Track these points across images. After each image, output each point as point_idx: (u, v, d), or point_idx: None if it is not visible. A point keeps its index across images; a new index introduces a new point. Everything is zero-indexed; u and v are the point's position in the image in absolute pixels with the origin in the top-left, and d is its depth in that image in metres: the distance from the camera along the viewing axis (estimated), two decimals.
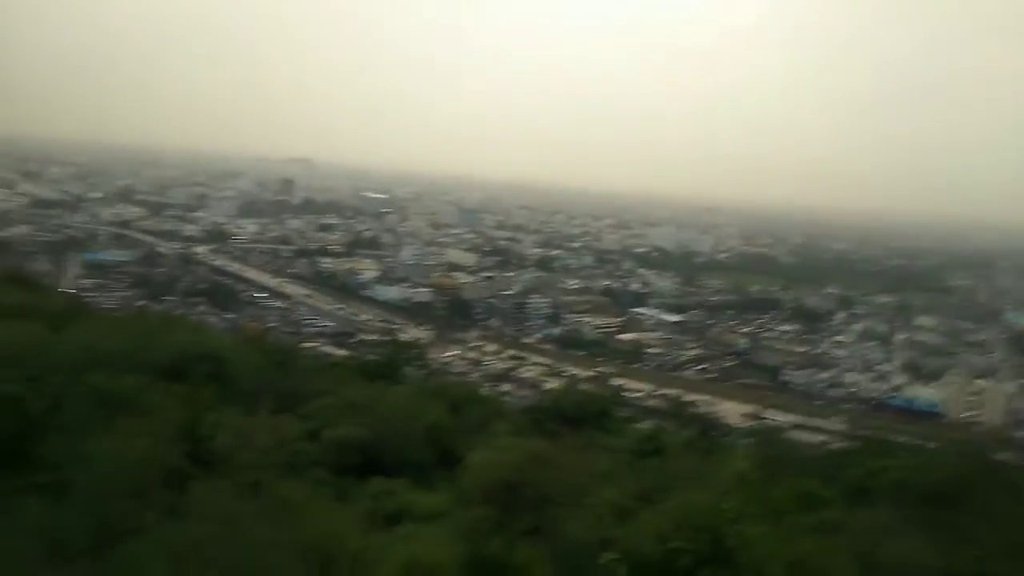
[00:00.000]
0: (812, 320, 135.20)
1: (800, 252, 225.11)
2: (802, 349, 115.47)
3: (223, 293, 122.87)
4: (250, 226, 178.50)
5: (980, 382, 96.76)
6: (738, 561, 10.30)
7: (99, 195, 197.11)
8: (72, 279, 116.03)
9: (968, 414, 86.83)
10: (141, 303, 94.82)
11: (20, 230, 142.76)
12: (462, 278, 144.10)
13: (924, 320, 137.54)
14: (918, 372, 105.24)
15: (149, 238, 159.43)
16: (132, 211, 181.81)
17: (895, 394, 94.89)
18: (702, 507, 11.40)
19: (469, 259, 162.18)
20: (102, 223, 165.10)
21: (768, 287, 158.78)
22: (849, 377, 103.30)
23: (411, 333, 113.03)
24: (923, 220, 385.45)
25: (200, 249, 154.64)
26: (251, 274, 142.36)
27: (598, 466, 20.89)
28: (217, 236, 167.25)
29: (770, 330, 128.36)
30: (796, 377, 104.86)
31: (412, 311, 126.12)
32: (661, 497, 15.05)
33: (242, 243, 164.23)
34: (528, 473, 17.10)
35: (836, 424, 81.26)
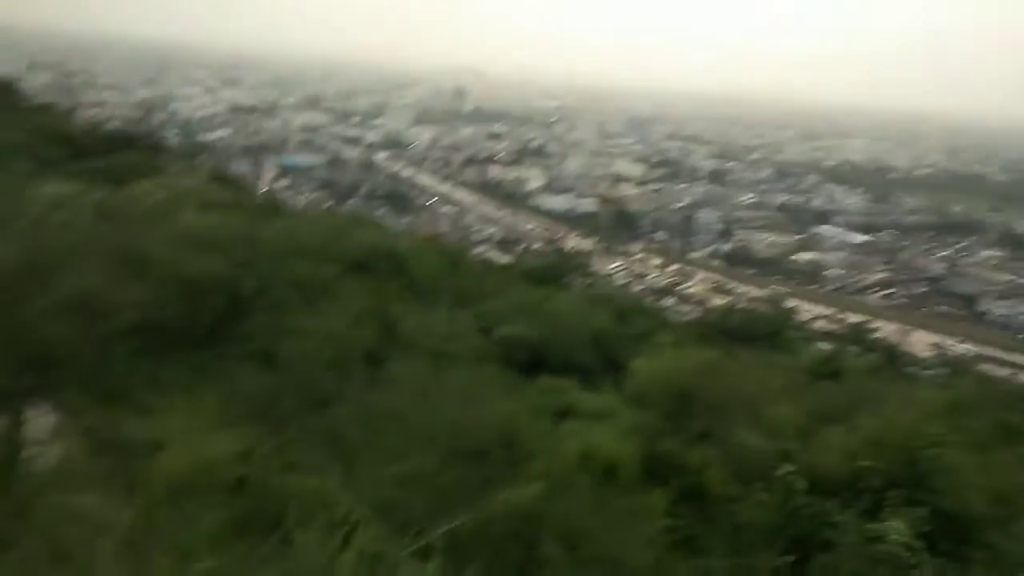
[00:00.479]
0: (1021, 247, 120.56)
1: (1015, 170, 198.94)
2: (1006, 278, 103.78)
3: (399, 198, 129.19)
4: (425, 134, 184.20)
5: None
6: (932, 486, 9.65)
7: (290, 101, 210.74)
8: (267, 180, 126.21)
9: None
10: (327, 204, 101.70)
11: (222, 134, 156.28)
12: (629, 189, 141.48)
13: None
14: None
15: (334, 144, 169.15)
16: (320, 118, 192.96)
17: None
18: (895, 429, 10.73)
19: (637, 170, 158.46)
20: (293, 129, 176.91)
21: (973, 208, 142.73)
22: None
23: (575, 243, 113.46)
24: None
25: (379, 155, 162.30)
26: (424, 180, 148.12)
27: (771, 383, 20.19)
28: (395, 143, 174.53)
29: (970, 256, 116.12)
30: (996, 308, 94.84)
31: (576, 221, 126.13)
32: (843, 418, 14.33)
33: (417, 150, 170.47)
34: (698, 381, 16.81)
35: None
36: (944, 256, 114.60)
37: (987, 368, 55.39)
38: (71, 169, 34.16)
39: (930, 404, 13.06)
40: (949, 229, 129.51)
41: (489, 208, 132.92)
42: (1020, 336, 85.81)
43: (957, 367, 46.14)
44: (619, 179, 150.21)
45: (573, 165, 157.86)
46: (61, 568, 4.68)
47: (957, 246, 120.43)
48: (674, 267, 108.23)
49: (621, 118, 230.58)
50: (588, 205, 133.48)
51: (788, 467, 10.22)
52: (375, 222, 51.09)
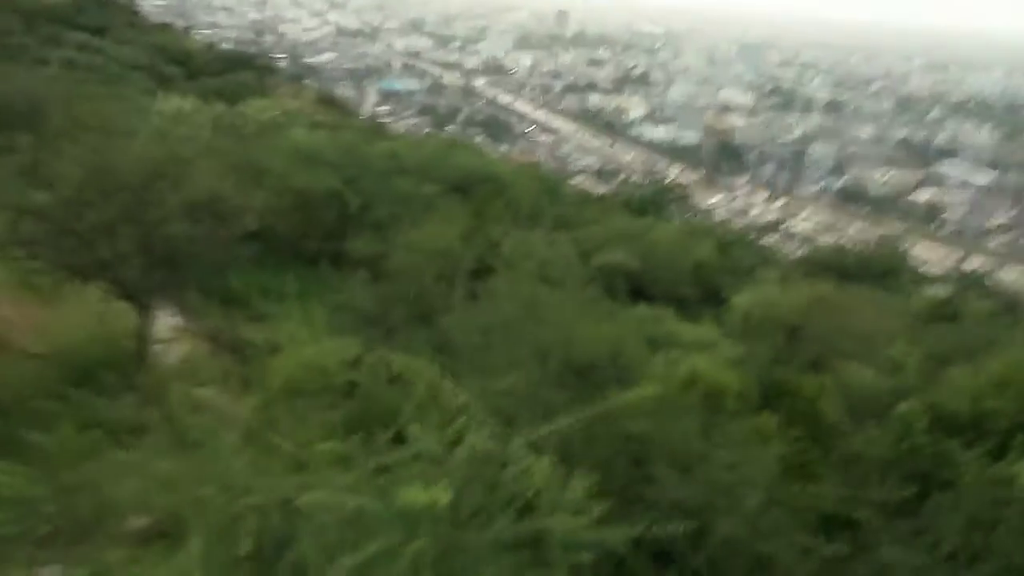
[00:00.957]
0: None
1: None
2: None
3: (497, 125, 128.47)
4: (525, 59, 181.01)
5: None
6: None
7: (393, 25, 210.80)
8: (370, 104, 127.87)
9: None
10: (427, 130, 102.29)
11: (327, 57, 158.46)
12: (736, 120, 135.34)
13: None
14: None
15: (435, 69, 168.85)
16: (421, 42, 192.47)
17: None
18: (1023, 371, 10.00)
19: (745, 100, 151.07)
20: (395, 53, 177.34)
21: None
22: None
23: (676, 176, 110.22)
24: None
25: (479, 81, 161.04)
26: (523, 107, 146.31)
27: (884, 321, 19.19)
28: (494, 69, 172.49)
29: None
30: None
31: (679, 153, 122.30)
32: (962, 360, 13.50)
33: (517, 76, 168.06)
34: (807, 315, 16.15)
35: None
36: None
37: None
38: (188, 87, 35.57)
39: None
40: None
41: (588, 137, 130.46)
42: None
43: None
44: (726, 109, 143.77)
45: (677, 94, 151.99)
46: (188, 453, 4.93)
47: None
48: (780, 203, 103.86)
49: (731, 44, 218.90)
50: (692, 136, 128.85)
51: (908, 403, 9.74)
52: (474, 147, 51.06)
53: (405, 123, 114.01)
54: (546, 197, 32.80)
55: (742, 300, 21.21)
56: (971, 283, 52.85)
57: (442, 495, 3.54)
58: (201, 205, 9.23)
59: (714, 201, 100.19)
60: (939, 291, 34.49)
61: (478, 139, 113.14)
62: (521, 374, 6.78)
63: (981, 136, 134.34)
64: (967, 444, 9.27)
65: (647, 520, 4.79)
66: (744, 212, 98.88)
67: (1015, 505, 8.10)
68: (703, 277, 27.49)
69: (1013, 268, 76.56)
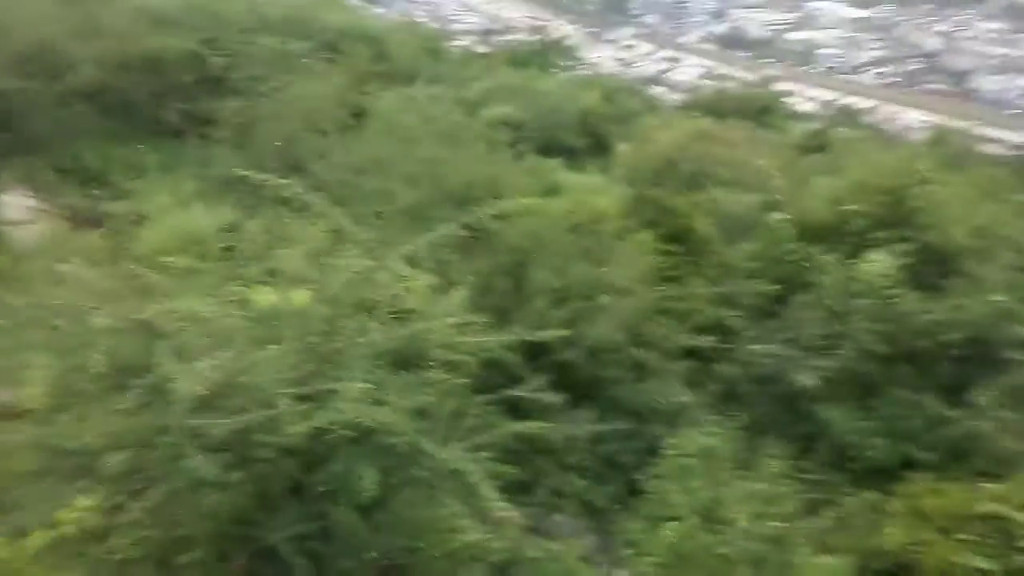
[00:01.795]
0: (1019, 17, 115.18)
1: None
2: (1003, 50, 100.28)
3: None
4: None
5: None
6: (917, 223, 9.81)
7: None
8: None
9: None
10: None
11: None
12: None
13: None
14: None
15: None
16: None
17: None
18: (881, 172, 10.71)
19: None
20: None
21: None
22: None
23: (562, 31, 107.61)
24: None
25: None
26: None
27: (756, 152, 20.00)
28: None
29: (968, 28, 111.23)
30: (988, 83, 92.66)
31: (563, 7, 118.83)
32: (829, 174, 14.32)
33: None
34: (686, 148, 16.63)
35: None
36: (941, 30, 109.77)
37: (978, 144, 54.94)
38: None
39: (914, 155, 12.97)
40: (951, 1, 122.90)
41: None
42: (1007, 112, 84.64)
43: (944, 140, 45.70)
44: None
45: None
46: (53, 322, 4.70)
47: (955, 17, 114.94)
48: (665, 53, 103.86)
49: None
50: None
51: (778, 215, 10.31)
52: (346, 5, 47.87)
53: None
54: (426, 55, 31.48)
55: (628, 146, 21.55)
56: (842, 118, 55.48)
57: (299, 299, 3.55)
58: (31, 57, 8.30)
59: (601, 55, 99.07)
60: (812, 125, 35.97)
61: (352, 2, 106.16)
62: (399, 199, 6.77)
63: None
64: (829, 247, 9.99)
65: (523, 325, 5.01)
66: (631, 64, 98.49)
67: (866, 295, 8.89)
68: (590, 126, 27.54)
69: (881, 101, 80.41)
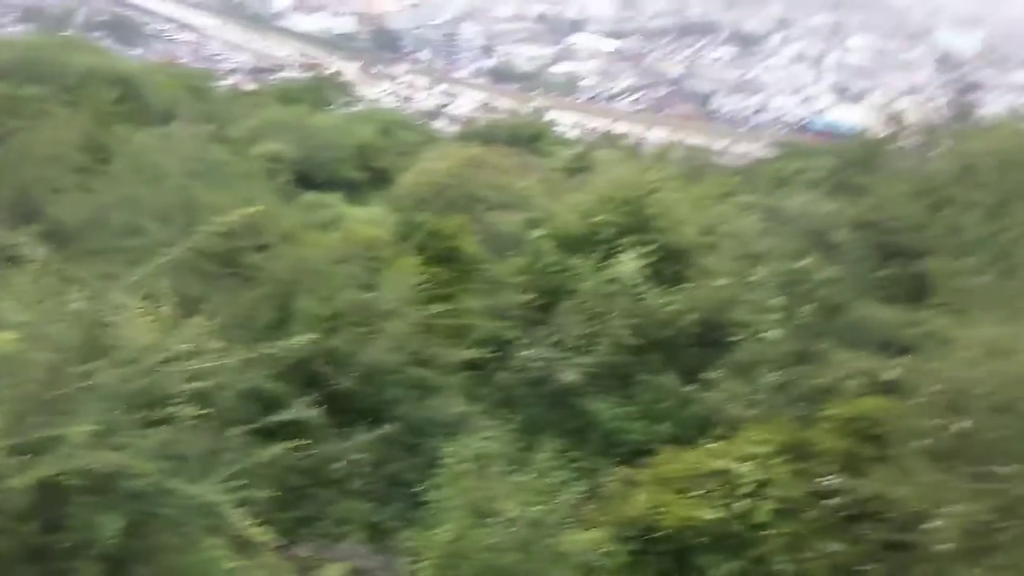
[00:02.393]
0: (748, 44, 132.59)
1: None
2: (734, 74, 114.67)
3: (125, 26, 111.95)
4: None
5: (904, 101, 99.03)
6: (655, 227, 11.00)
7: None
8: None
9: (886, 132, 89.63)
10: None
11: None
12: (388, 5, 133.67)
13: (856, 40, 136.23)
14: (845, 94, 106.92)
15: None
16: None
17: (819, 117, 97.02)
18: (622, 185, 11.89)
19: None
20: None
21: (708, 9, 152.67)
22: (776, 101, 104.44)
23: (337, 68, 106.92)
24: None
25: None
26: (154, 4, 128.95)
27: (527, 174, 21.26)
28: None
29: (705, 56, 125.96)
30: (726, 103, 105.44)
31: (335, 44, 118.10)
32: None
33: None
34: (459, 174, 17.32)
35: (759, 147, 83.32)
36: (683, 58, 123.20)
37: (716, 157, 61.97)
38: None
39: (649, 168, 14.51)
40: (687, 31, 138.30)
41: (235, 34, 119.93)
42: (743, 128, 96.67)
43: (689, 155, 51.22)
44: None
45: None
46: None
47: (693, 48, 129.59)
48: (440, 87, 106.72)
49: None
50: (346, 25, 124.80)
51: (538, 232, 11.05)
52: (95, 47, 44.27)
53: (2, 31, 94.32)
54: (187, 94, 29.96)
55: (405, 176, 21.93)
56: (603, 141, 60.29)
57: (7, 344, 3.35)
58: None
59: (377, 91, 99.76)
60: (576, 149, 38.80)
61: (103, 44, 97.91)
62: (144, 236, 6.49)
63: (603, 7, 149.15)
64: (584, 256, 10.88)
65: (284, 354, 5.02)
66: (409, 99, 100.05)
67: (618, 295, 9.82)
68: (369, 159, 27.69)
69: (636, 124, 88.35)
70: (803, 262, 8.33)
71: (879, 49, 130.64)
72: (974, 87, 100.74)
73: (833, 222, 9.61)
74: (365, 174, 26.39)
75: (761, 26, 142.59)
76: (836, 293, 7.59)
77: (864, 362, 5.59)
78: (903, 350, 5.25)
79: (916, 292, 6.50)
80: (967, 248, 5.82)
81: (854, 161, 13.80)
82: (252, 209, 4.51)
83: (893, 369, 4.86)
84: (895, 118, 13.04)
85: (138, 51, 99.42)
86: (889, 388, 4.88)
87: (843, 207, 10.33)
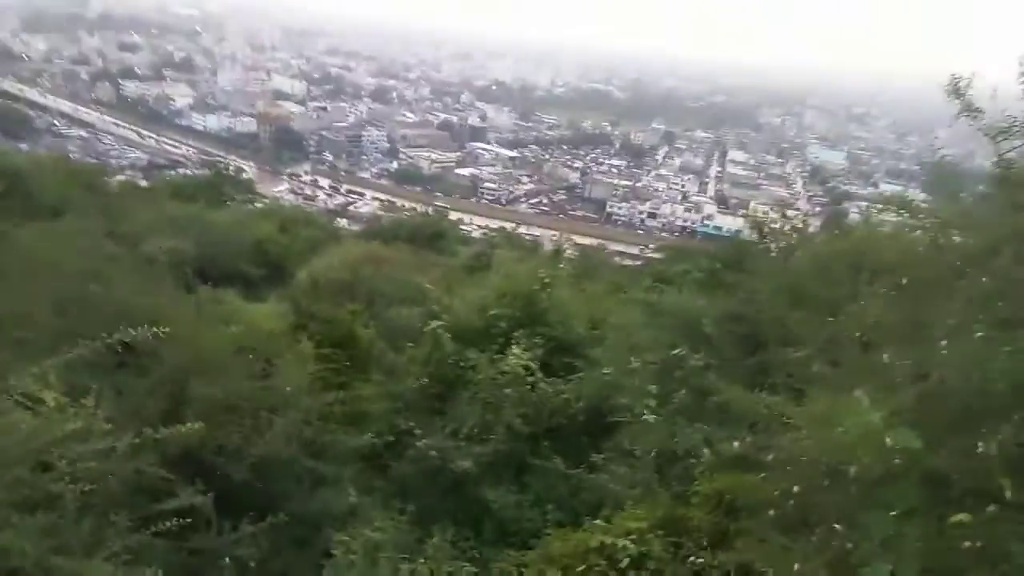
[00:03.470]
0: (637, 155, 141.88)
1: (632, 88, 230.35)
2: (627, 182, 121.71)
3: (13, 121, 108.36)
4: (39, 44, 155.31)
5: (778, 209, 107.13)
6: (546, 321, 11.57)
7: None
8: None
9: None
10: None
11: None
12: (290, 108, 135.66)
13: (736, 154, 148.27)
14: (726, 202, 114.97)
15: None
16: None
17: (706, 222, 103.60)
18: (518, 281, 12.50)
19: (298, 87, 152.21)
20: None
21: (600, 122, 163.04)
22: (667, 208, 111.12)
23: (236, 166, 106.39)
24: (742, 61, 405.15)
25: None
26: (45, 100, 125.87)
27: (427, 271, 21.76)
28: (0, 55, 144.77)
29: (599, 164, 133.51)
30: (620, 208, 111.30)
31: (235, 143, 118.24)
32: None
33: (31, 64, 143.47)
34: (357, 271, 17.60)
35: (650, 249, 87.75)
36: (579, 166, 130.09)
37: (611, 257, 64.93)
38: None
39: (541, 265, 15.27)
40: (582, 141, 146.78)
41: (130, 130, 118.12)
42: (638, 232, 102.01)
43: (584, 255, 53.55)
44: (279, 96, 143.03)
45: (225, 80, 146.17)
46: None
47: (588, 156, 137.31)
48: (343, 188, 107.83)
49: (274, 30, 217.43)
50: (247, 125, 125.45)
51: (435, 324, 11.40)
52: None
53: None
54: (78, 190, 29.20)
55: (305, 271, 21.98)
56: (504, 241, 62.15)
57: None
58: None
59: (279, 190, 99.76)
60: (476, 248, 40.00)
61: None
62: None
63: (503, 118, 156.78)
64: (480, 348, 11.25)
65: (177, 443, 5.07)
66: (311, 199, 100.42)
67: (511, 385, 10.19)
68: (268, 256, 27.50)
69: (536, 227, 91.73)
70: (677, 351, 9.00)
71: (757, 163, 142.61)
72: (843, 196, 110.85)
73: (706, 315, 10.44)
74: (263, 270, 26.16)
75: (649, 139, 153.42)
76: (706, 379, 8.22)
77: (725, 440, 6.13)
78: (763, 428, 5.81)
79: (773, 378, 7.19)
80: (813, 338, 6.57)
81: (727, 261, 15.03)
82: (156, 329, 4.67)
83: (743, 444, 5.40)
84: (764, 223, 14.34)
85: (26, 145, 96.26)
86: (747, 464, 5.40)
87: (716, 302, 11.24)
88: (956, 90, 5.81)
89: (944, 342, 3.94)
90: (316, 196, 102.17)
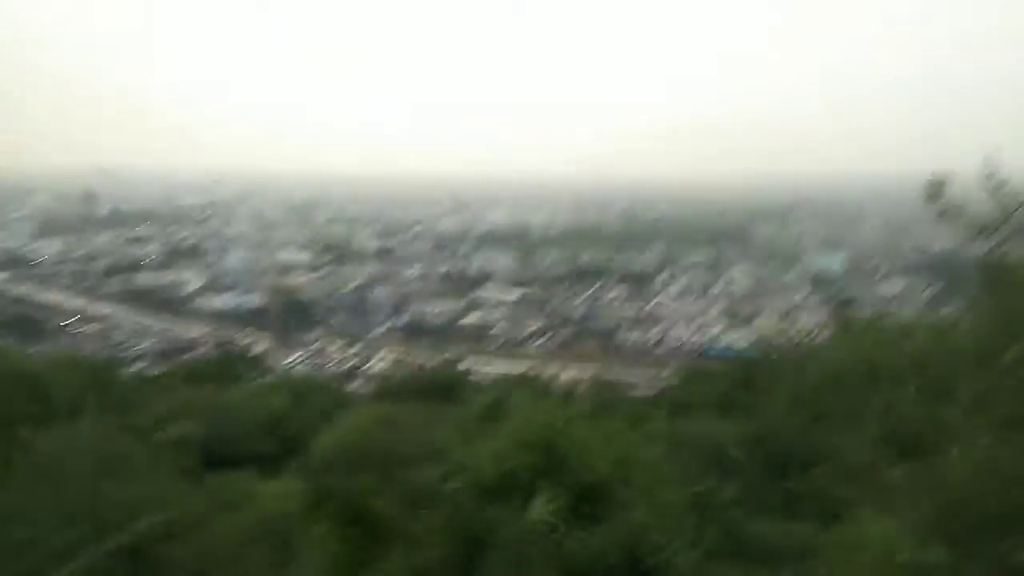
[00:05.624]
0: (639, 282, 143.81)
1: (624, 219, 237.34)
2: (631, 311, 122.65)
3: (27, 323, 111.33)
4: (52, 246, 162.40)
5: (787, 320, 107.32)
6: (569, 466, 11.29)
7: None
8: None
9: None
10: None
11: None
12: (298, 278, 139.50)
13: (736, 270, 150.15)
14: (733, 319, 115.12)
15: None
16: None
17: (716, 342, 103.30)
18: (533, 427, 12.32)
19: (303, 258, 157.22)
20: None
21: (597, 255, 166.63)
22: (675, 331, 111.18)
23: (247, 341, 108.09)
24: (730, 179, 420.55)
25: None
26: (58, 298, 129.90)
27: (445, 430, 21.49)
28: (15, 261, 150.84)
29: (602, 296, 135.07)
30: (628, 338, 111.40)
31: (247, 319, 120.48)
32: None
33: (44, 266, 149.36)
34: (371, 437, 17.39)
35: (665, 376, 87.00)
36: (582, 300, 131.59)
37: (626, 389, 64.14)
38: None
39: (559, 406, 15.09)
40: (583, 276, 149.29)
41: (143, 319, 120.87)
42: (649, 358, 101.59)
43: (599, 388, 52.97)
44: (286, 269, 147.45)
45: (234, 260, 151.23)
46: None
47: (590, 290, 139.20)
48: (355, 349, 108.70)
49: (279, 207, 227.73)
50: (256, 300, 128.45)
51: (454, 483, 11.16)
52: None
53: None
54: (93, 387, 29.51)
55: (321, 441, 21.74)
56: (519, 384, 61.78)
57: None
58: None
59: (291, 359, 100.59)
60: (491, 395, 39.66)
61: (5, 343, 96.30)
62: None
63: (504, 261, 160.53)
64: (502, 503, 10.93)
65: None
66: (324, 364, 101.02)
67: (539, 541, 9.82)
68: (281, 430, 27.36)
69: (549, 364, 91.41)
70: (704, 485, 8.74)
71: (757, 276, 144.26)
72: (848, 301, 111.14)
73: (727, 440, 10.22)
74: (277, 446, 25.93)
75: (648, 265, 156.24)
76: (736, 512, 7.93)
77: None
78: (797, 558, 5.55)
79: (800, 504, 6.95)
80: (833, 456, 6.42)
81: (741, 381, 14.89)
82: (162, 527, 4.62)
83: None
84: (771, 337, 14.32)
85: (40, 346, 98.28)
86: None
87: (735, 426, 11.03)
88: (935, 193, 6.00)
89: (953, 450, 3.86)
90: (328, 362, 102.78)
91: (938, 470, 4.07)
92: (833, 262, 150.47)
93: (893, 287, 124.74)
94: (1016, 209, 5.48)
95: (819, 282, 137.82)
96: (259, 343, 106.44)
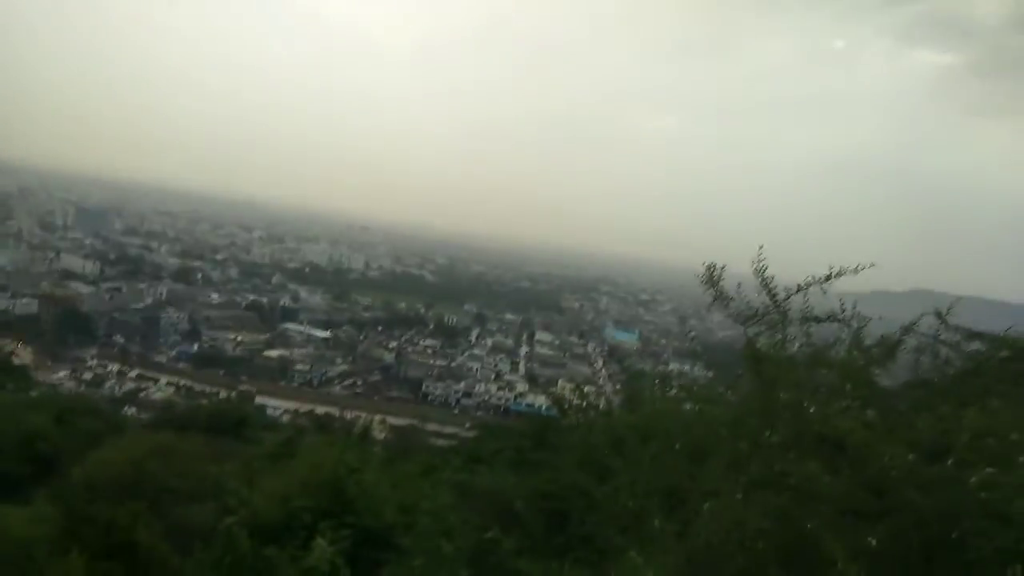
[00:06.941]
0: (451, 335, 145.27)
1: (443, 272, 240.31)
2: (441, 362, 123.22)
3: None
4: None
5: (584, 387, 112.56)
6: (354, 509, 11.09)
7: None
8: None
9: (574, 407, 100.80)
10: None
11: None
12: (80, 288, 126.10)
13: (542, 335, 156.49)
14: (536, 380, 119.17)
15: None
16: None
17: (519, 400, 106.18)
18: (323, 467, 12.02)
19: (89, 267, 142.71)
20: None
21: (414, 304, 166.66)
22: (481, 387, 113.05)
23: (9, 350, 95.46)
24: (544, 247, 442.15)
25: None
26: None
27: (230, 466, 20.28)
28: None
29: (414, 345, 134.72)
30: (435, 388, 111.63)
31: (13, 326, 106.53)
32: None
33: None
34: (142, 466, 16.03)
35: (465, 428, 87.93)
36: (393, 347, 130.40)
37: (429, 438, 64.10)
38: None
39: (348, 449, 14.81)
40: (396, 323, 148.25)
41: None
42: (454, 411, 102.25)
43: (401, 436, 52.59)
44: (67, 276, 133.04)
45: (5, 260, 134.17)
46: None
47: (403, 337, 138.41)
48: (134, 373, 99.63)
49: (68, 208, 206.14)
50: (28, 306, 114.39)
51: (231, 519, 10.57)
52: None
53: None
54: None
55: (83, 468, 19.70)
56: (316, 427, 59.69)
57: None
58: None
59: (59, 376, 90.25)
60: (284, 434, 37.90)
61: None
62: None
63: (316, 299, 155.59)
64: (281, 543, 10.48)
65: None
66: (97, 385, 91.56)
67: None
68: (37, 452, 24.69)
69: (351, 410, 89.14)
70: (489, 534, 8.93)
71: (561, 343, 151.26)
72: (638, 374, 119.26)
73: (516, 494, 10.54)
74: (30, 467, 23.26)
75: (461, 321, 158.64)
76: (516, 560, 8.18)
77: None
78: None
79: (576, 550, 7.36)
80: (606, 508, 6.92)
81: (535, 439, 15.50)
82: None
83: None
84: (566, 401, 15.08)
85: None
86: None
87: (525, 480, 11.42)
88: (711, 280, 6.82)
89: (707, 505, 4.36)
90: (103, 383, 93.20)
91: (695, 522, 4.58)
92: (628, 338, 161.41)
93: (677, 364, 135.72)
94: (775, 302, 6.35)
95: (615, 354, 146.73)
96: (25, 354, 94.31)
